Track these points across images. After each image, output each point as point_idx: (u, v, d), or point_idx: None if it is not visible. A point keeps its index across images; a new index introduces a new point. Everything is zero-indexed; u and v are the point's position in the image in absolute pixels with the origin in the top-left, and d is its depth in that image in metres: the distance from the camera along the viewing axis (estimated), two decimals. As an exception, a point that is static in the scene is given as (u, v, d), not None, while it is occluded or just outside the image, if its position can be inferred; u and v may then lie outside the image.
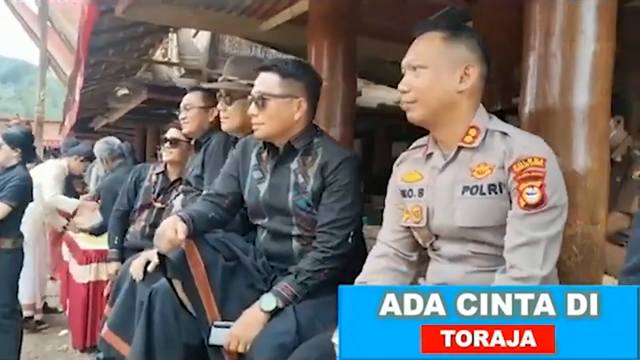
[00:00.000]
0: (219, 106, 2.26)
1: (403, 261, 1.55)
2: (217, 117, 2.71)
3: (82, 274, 4.21)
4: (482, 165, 1.35)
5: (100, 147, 4.68)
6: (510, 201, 1.30)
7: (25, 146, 3.74)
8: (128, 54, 6.27)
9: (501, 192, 1.32)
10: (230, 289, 1.75)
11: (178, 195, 3.14)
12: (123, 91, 8.41)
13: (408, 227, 1.53)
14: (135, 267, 2.28)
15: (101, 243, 4.24)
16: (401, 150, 1.65)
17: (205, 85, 2.37)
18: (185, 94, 2.82)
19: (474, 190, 1.35)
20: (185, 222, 1.70)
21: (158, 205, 3.17)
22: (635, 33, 3.95)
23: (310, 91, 1.83)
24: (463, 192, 1.37)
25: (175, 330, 1.93)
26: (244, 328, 1.64)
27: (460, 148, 1.40)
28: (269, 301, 1.64)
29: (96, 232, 4.35)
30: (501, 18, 3.69)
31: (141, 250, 3.10)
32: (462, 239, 1.39)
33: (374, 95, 7.83)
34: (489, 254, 1.36)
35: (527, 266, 1.23)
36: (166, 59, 7.97)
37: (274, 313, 1.64)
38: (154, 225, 3.13)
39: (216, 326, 1.71)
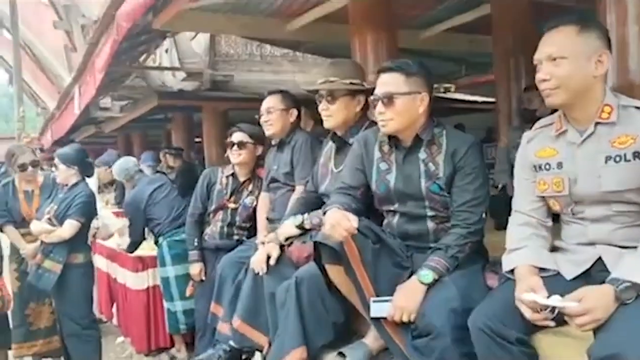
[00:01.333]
0: (321, 106, 2.46)
1: (542, 227, 1.82)
2: (298, 117, 2.94)
3: (140, 281, 4.37)
4: (624, 136, 1.61)
5: (118, 170, 4.66)
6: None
7: (81, 162, 3.85)
8: (123, 62, 6.33)
9: None
10: (379, 268, 1.98)
11: (250, 194, 3.35)
12: (106, 100, 8.38)
13: (543, 197, 1.79)
14: (258, 262, 2.47)
15: (147, 250, 4.41)
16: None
17: (311, 87, 2.55)
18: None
19: (617, 158, 1.61)
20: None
21: (232, 205, 3.37)
22: None
23: (429, 85, 2.07)
24: (606, 162, 1.63)
25: (324, 311, 2.17)
26: (407, 300, 1.88)
27: (597, 124, 1.66)
28: (426, 274, 1.88)
29: (131, 250, 4.43)
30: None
31: (220, 249, 3.31)
32: (606, 202, 1.66)
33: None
34: (633, 211, 1.63)
35: None
36: (157, 64, 8.04)
37: (431, 285, 1.88)
38: (231, 224, 3.35)
39: (375, 301, 1.94)
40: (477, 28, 4.72)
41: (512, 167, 2.15)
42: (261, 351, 2.47)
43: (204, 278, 3.40)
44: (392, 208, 2.12)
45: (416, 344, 1.82)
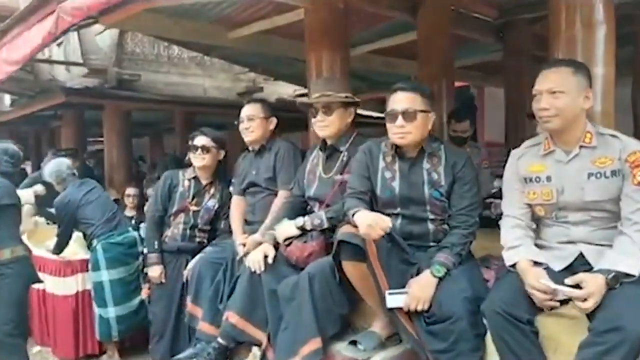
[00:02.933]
0: (318, 117, 2.68)
1: (529, 229, 2.21)
2: (277, 126, 3.11)
3: (67, 286, 4.17)
4: (603, 158, 2.05)
5: (50, 171, 4.23)
6: (623, 181, 2.02)
7: None
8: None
9: (617, 176, 2.03)
10: (391, 264, 2.24)
11: (212, 197, 3.44)
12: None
13: (529, 204, 2.19)
14: (256, 260, 2.59)
15: (72, 254, 4.24)
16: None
17: (311, 101, 2.72)
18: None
19: (598, 175, 2.05)
20: None
21: (193, 208, 3.41)
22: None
23: (434, 106, 2.38)
24: (589, 177, 2.06)
25: (333, 304, 2.38)
26: (422, 291, 2.15)
27: (581, 147, 2.08)
28: (438, 269, 2.18)
29: (57, 251, 4.23)
30: (441, 27, 4.52)
31: (182, 251, 3.36)
32: (587, 209, 2.08)
33: (272, 90, 8.29)
34: (606, 217, 2.08)
35: None
36: (46, 57, 7.55)
37: (441, 278, 2.18)
38: (193, 227, 3.41)
39: (390, 294, 2.19)
40: (401, 52, 5.21)
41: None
42: (259, 345, 2.60)
43: (164, 281, 3.38)
44: (395, 211, 2.39)
45: (433, 329, 2.11)
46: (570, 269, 2.07)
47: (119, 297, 3.97)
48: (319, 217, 2.58)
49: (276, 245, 2.67)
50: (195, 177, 3.45)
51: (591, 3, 2.60)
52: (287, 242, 2.61)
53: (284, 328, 2.43)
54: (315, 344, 2.29)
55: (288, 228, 2.61)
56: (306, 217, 2.61)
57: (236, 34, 4.47)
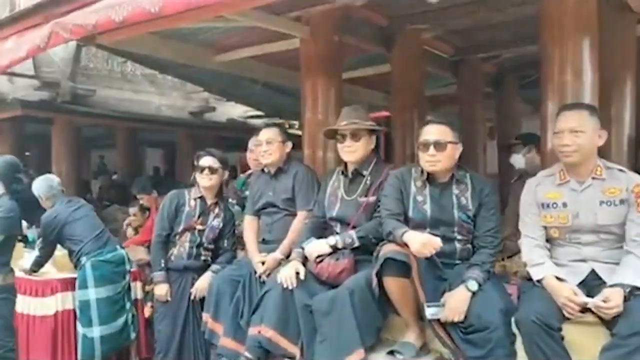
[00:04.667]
0: (346, 142, 2.88)
1: (545, 247, 2.53)
2: (292, 148, 3.28)
3: (46, 306, 4.04)
4: (613, 188, 2.41)
5: (40, 185, 4.10)
6: (629, 209, 2.39)
7: (5, 176, 3.51)
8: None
9: (624, 204, 2.39)
10: (428, 279, 2.47)
11: (216, 217, 3.52)
12: None
13: (545, 227, 2.51)
14: (288, 277, 2.70)
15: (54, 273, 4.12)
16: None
17: (338, 127, 2.92)
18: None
19: (609, 203, 2.41)
20: None
21: (199, 227, 3.47)
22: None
23: (461, 138, 2.66)
24: (600, 204, 2.41)
25: (371, 316, 2.57)
26: (458, 304, 2.40)
27: (593, 178, 2.44)
28: (472, 284, 2.43)
29: (36, 269, 4.11)
30: (413, 63, 4.89)
31: (188, 270, 3.42)
32: (597, 232, 2.43)
33: (224, 110, 8.37)
34: (614, 239, 2.43)
35: None
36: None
37: (474, 292, 2.43)
38: (199, 245, 3.47)
39: (429, 306, 2.42)
40: (374, 83, 5.53)
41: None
42: (293, 358, 2.71)
43: (169, 299, 3.39)
44: (425, 232, 2.62)
45: (471, 338, 2.35)
46: (584, 284, 2.41)
47: (104, 317, 3.89)
48: (350, 236, 2.77)
49: (304, 263, 2.82)
50: (201, 197, 3.51)
51: (581, 53, 3.01)
52: (318, 260, 2.76)
53: (321, 340, 2.58)
54: (359, 354, 2.47)
55: (320, 246, 2.77)
56: (337, 237, 2.79)
57: (223, 57, 4.59)
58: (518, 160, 4.12)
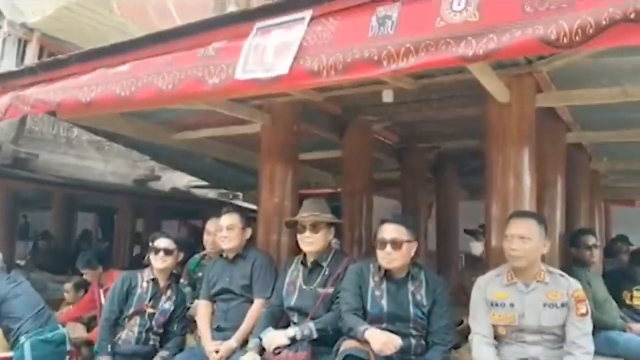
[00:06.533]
0: (305, 233, 2.99)
1: (494, 345, 2.69)
2: (252, 235, 3.35)
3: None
4: (555, 292, 2.63)
5: None
6: (569, 312, 2.60)
7: None
8: None
9: (565, 307, 2.61)
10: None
11: (168, 299, 3.49)
12: None
13: (493, 325, 2.68)
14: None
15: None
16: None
17: (299, 219, 3.02)
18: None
19: (551, 305, 2.61)
20: None
21: (150, 310, 3.42)
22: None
23: (417, 236, 2.83)
24: (544, 306, 2.61)
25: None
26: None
27: (537, 281, 2.65)
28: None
29: None
30: (363, 149, 5.15)
31: (136, 355, 3.33)
32: (541, 332, 2.62)
33: (168, 179, 8.34)
34: (555, 340, 2.63)
35: (589, 345, 2.53)
36: None
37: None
38: (148, 329, 3.41)
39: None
40: (325, 165, 5.71)
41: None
42: None
43: (116, 385, 3.28)
44: (382, 326, 2.72)
45: None
46: (527, 380, 2.57)
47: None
48: (309, 328, 2.83)
49: (261, 353, 2.84)
50: (154, 279, 3.48)
51: (521, 160, 3.31)
52: (277, 351, 2.79)
53: None
54: None
55: (278, 338, 2.81)
56: (296, 328, 2.85)
57: (182, 136, 4.67)
58: (476, 247, 4.33)
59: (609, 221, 8.59)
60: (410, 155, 6.35)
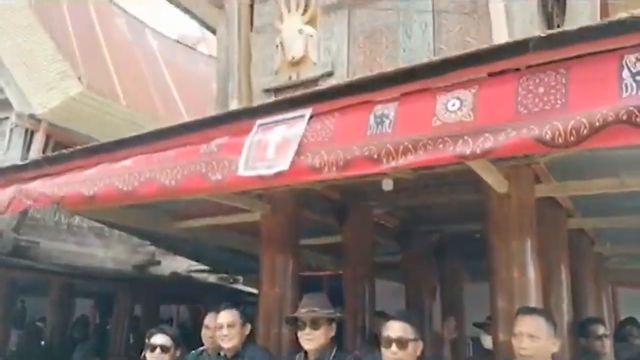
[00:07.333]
0: (305, 330, 2.91)
1: None
2: (251, 331, 3.27)
3: None
4: None
5: None
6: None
7: None
8: None
9: None
10: None
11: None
12: None
13: None
14: None
15: None
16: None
17: (297, 315, 2.97)
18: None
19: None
20: None
21: (145, 411, 3.28)
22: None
23: (423, 335, 2.76)
24: None
25: None
26: None
27: None
28: None
29: None
30: (363, 234, 5.13)
31: None
32: None
33: (168, 264, 8.26)
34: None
35: None
36: None
37: None
38: None
39: None
40: (325, 249, 5.68)
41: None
42: None
43: None
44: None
45: None
46: None
47: None
48: None
49: None
50: (150, 377, 3.36)
51: (524, 252, 3.28)
52: None
53: None
54: None
55: None
56: None
57: (184, 224, 4.68)
58: (487, 340, 4.22)
59: (617, 303, 8.42)
60: (411, 238, 6.32)
